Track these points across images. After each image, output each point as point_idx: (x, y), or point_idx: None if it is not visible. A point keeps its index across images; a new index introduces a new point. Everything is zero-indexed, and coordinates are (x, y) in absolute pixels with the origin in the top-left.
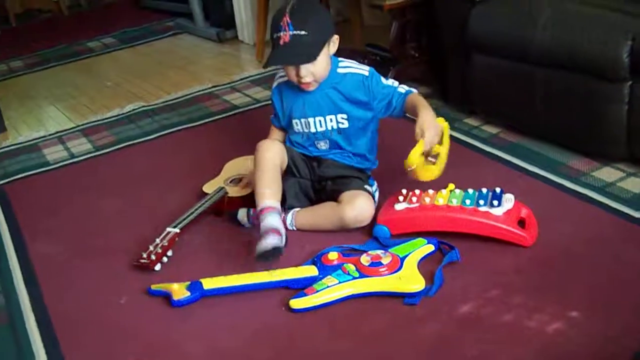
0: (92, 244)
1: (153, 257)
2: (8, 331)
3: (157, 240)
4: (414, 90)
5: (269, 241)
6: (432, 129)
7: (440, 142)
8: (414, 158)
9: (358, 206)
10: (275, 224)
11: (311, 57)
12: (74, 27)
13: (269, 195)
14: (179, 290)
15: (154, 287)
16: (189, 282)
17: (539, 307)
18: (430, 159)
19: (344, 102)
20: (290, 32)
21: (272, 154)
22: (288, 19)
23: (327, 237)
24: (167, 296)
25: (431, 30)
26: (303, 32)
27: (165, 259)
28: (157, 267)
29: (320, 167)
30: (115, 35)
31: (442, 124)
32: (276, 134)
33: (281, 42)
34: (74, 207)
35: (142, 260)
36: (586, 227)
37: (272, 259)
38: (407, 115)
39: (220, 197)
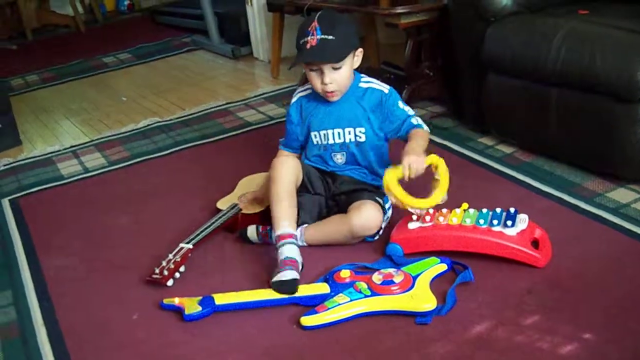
0: (105, 258)
1: (166, 272)
2: (19, 345)
3: (170, 256)
4: (425, 127)
5: (287, 274)
6: (413, 155)
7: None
8: (387, 178)
9: (365, 214)
10: (292, 254)
11: (337, 58)
12: (90, 42)
13: (287, 222)
14: (190, 305)
15: (166, 301)
16: (200, 297)
17: (552, 328)
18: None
19: (364, 116)
20: (318, 36)
21: (288, 169)
22: (316, 24)
23: (339, 255)
24: (179, 310)
25: (446, 50)
26: (331, 37)
27: (177, 275)
28: (170, 282)
29: (335, 183)
30: (131, 50)
31: (437, 158)
32: (284, 155)
33: (308, 46)
34: (87, 221)
35: (155, 276)
36: (600, 248)
37: (287, 290)
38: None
39: (234, 213)
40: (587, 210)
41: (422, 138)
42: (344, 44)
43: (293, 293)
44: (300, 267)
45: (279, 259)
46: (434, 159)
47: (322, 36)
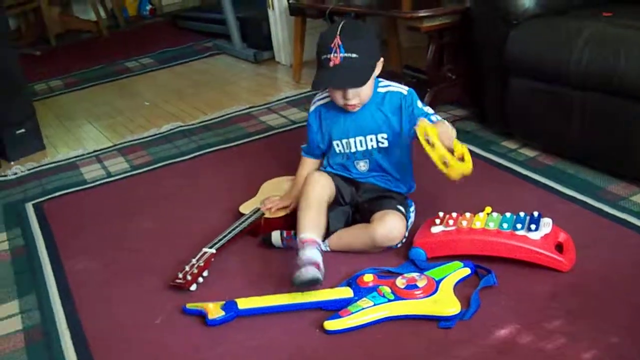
0: (128, 262)
1: (189, 277)
2: (43, 349)
3: (193, 261)
4: (446, 122)
5: (309, 272)
6: (446, 123)
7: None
8: (428, 126)
9: (389, 225)
10: (315, 257)
11: (363, 82)
12: (113, 47)
13: (312, 228)
14: (214, 310)
15: (189, 305)
16: (224, 302)
17: (577, 332)
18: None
19: (385, 121)
20: (342, 55)
21: (321, 189)
22: (339, 41)
23: (362, 259)
24: (202, 315)
25: (468, 53)
26: (354, 55)
27: (201, 279)
28: (193, 287)
29: (359, 192)
30: (153, 55)
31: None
32: (307, 167)
33: (331, 64)
34: (110, 226)
35: (178, 281)
36: (625, 252)
37: (309, 289)
38: None
39: (257, 218)
40: (611, 214)
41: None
42: (367, 62)
43: (316, 284)
44: (323, 273)
45: (298, 260)
46: (459, 146)
47: (346, 55)
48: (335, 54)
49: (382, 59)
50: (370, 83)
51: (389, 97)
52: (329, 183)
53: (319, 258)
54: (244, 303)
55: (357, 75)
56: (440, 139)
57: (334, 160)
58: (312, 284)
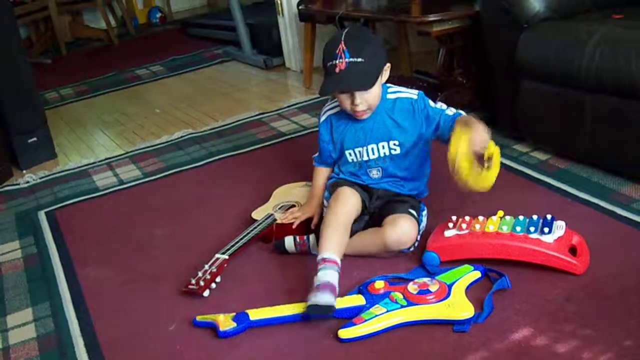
0: (141, 269)
1: (202, 283)
2: (57, 356)
3: (206, 267)
4: (462, 112)
5: (325, 298)
6: (480, 126)
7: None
8: (458, 148)
9: (400, 229)
10: (332, 280)
11: (368, 85)
12: (123, 55)
13: (336, 249)
14: (224, 321)
15: (199, 318)
16: (234, 313)
17: (591, 336)
18: (485, 163)
19: (396, 128)
20: (347, 60)
21: (351, 208)
22: (344, 47)
23: (373, 264)
24: (213, 327)
25: (479, 56)
26: (359, 60)
27: (213, 285)
28: (206, 293)
29: (372, 199)
30: (163, 63)
31: (494, 149)
32: (322, 176)
33: (337, 70)
34: (122, 233)
35: (191, 286)
36: (638, 254)
37: (322, 315)
38: None
39: (269, 223)
40: (624, 216)
41: (471, 118)
42: (373, 66)
43: (329, 315)
44: (336, 295)
45: (317, 281)
46: (492, 146)
47: (351, 59)
48: (340, 60)
49: (389, 65)
50: (377, 88)
51: (399, 103)
52: (358, 200)
53: (336, 281)
54: (255, 314)
55: (362, 78)
56: (475, 144)
57: (346, 168)
58: (325, 311)
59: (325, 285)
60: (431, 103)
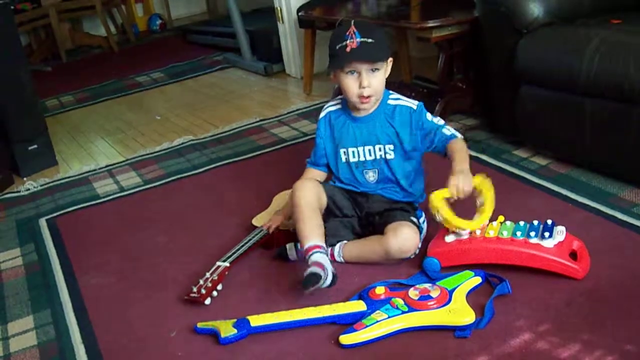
0: (142, 276)
1: (203, 291)
2: None
3: (207, 274)
4: (459, 135)
5: (310, 269)
6: (460, 175)
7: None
8: (435, 200)
9: (402, 237)
10: (319, 259)
11: (383, 58)
12: (124, 62)
13: (312, 235)
14: (225, 328)
15: (200, 325)
16: (235, 320)
17: (592, 340)
18: (477, 201)
19: (392, 133)
20: (358, 39)
21: (308, 197)
22: (355, 29)
23: (375, 269)
24: (214, 334)
25: (478, 62)
26: (370, 40)
27: (215, 293)
28: (208, 301)
29: (368, 203)
30: (163, 69)
31: (482, 180)
32: (310, 175)
33: (348, 49)
34: (123, 240)
35: (193, 295)
36: (638, 258)
37: (311, 283)
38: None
39: (267, 232)
40: (624, 221)
41: (463, 151)
42: (383, 47)
43: (317, 283)
44: (331, 277)
45: (307, 265)
46: (479, 181)
47: (362, 39)
48: (352, 40)
49: (391, 59)
50: (382, 78)
51: (398, 111)
52: (315, 187)
53: (323, 259)
54: (256, 320)
55: (376, 52)
56: (459, 191)
57: (343, 175)
58: (314, 280)
59: (314, 263)
60: (429, 116)
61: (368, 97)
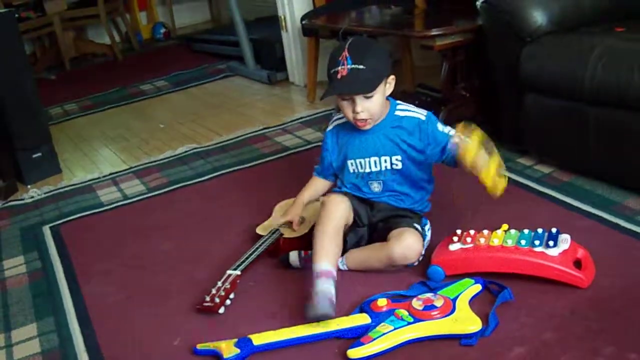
0: (146, 284)
1: (217, 300)
2: None
3: (219, 283)
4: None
5: (323, 307)
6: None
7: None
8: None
9: (405, 243)
10: (329, 292)
11: (367, 89)
12: (127, 70)
13: (328, 258)
14: (227, 348)
15: (200, 346)
16: (237, 339)
17: (596, 349)
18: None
19: (400, 144)
20: (349, 66)
21: (341, 212)
22: (347, 54)
23: (372, 280)
24: (216, 355)
25: (482, 70)
26: (361, 66)
27: (228, 302)
28: (221, 310)
29: (373, 211)
30: (167, 78)
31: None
32: (313, 186)
33: (339, 76)
34: (127, 248)
35: (206, 304)
36: None
37: (316, 320)
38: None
39: (276, 238)
40: (628, 229)
41: None
42: (375, 73)
43: (327, 319)
44: (334, 304)
45: (315, 290)
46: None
47: (353, 66)
48: (343, 66)
49: (393, 76)
50: (379, 99)
51: (406, 122)
52: (347, 207)
53: (332, 292)
54: (258, 339)
55: (362, 83)
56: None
57: (348, 179)
58: (323, 319)
59: (321, 295)
60: (439, 126)
61: (364, 119)
